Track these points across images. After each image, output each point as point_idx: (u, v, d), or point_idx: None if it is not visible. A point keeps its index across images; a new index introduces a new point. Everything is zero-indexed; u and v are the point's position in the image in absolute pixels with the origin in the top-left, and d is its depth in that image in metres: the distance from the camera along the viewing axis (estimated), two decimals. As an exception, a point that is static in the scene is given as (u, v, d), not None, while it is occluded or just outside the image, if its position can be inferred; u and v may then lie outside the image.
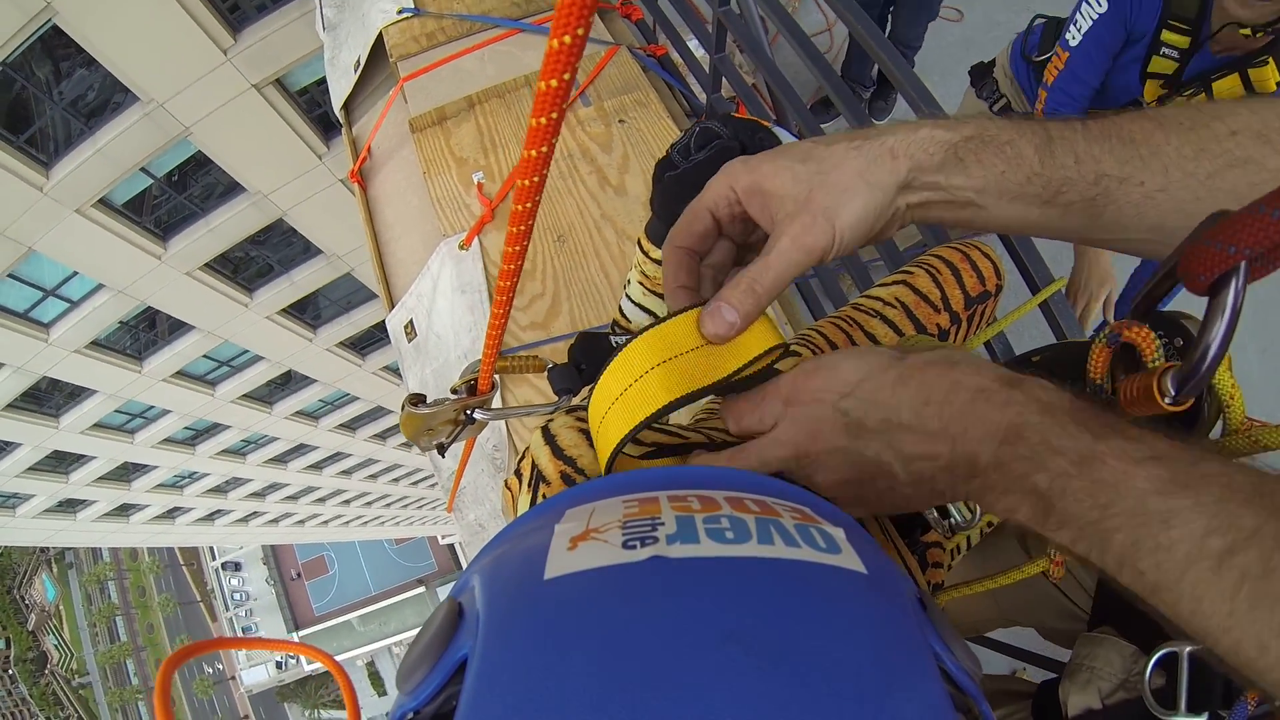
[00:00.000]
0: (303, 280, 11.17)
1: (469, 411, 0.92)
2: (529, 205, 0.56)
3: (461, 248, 2.25)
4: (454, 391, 0.91)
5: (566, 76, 0.42)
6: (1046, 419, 0.43)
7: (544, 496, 0.66)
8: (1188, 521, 0.35)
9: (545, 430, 0.73)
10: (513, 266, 0.65)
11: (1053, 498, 0.42)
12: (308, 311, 12.33)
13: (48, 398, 11.50)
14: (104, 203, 8.50)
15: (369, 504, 26.80)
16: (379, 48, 3.09)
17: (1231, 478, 0.36)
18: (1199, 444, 0.43)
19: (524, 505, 0.72)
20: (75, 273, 9.27)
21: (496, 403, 0.98)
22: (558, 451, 0.70)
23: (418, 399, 0.90)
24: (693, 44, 3.05)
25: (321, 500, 23.53)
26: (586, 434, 0.70)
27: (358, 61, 3.17)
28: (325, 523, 26.74)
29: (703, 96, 2.84)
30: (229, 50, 7.60)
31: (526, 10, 2.97)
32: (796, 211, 0.55)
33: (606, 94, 2.57)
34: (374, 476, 23.45)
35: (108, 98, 7.71)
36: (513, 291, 0.70)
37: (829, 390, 0.54)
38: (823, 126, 2.42)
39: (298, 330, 12.23)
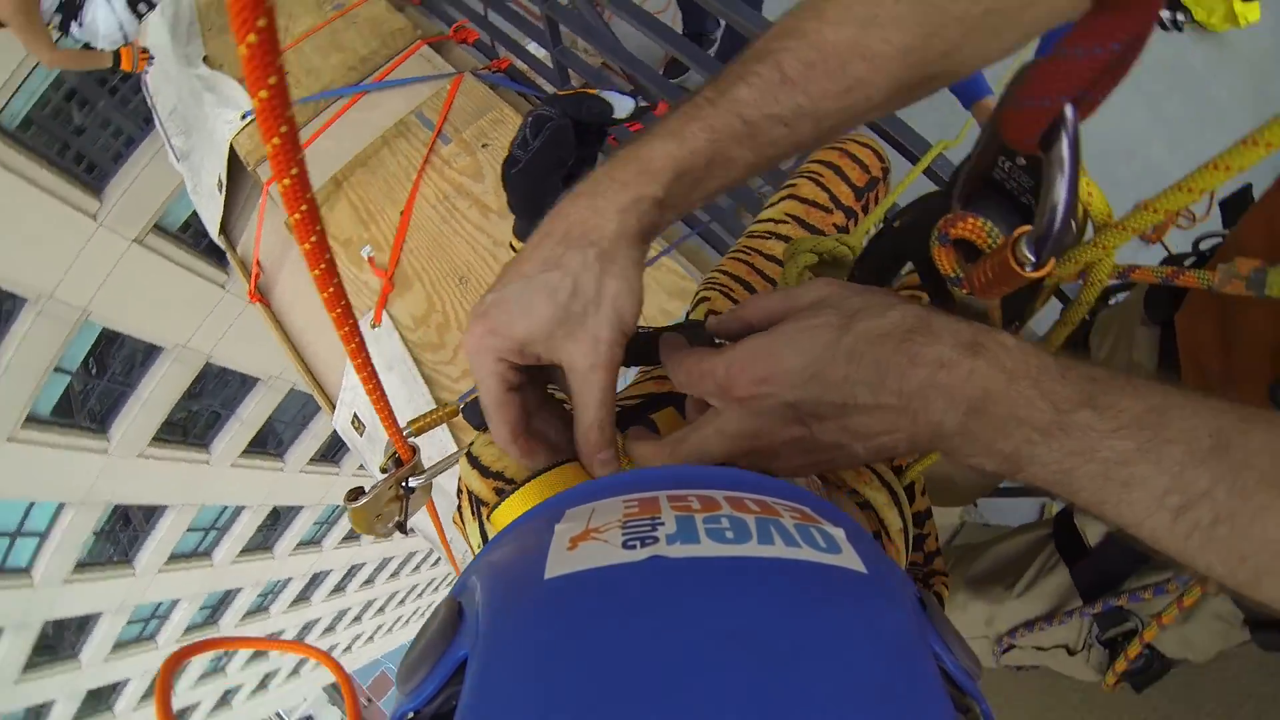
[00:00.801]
0: (251, 415, 10.96)
1: (404, 484, 0.89)
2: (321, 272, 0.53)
3: (373, 326, 2.17)
4: (383, 470, 0.88)
5: (284, 130, 0.40)
6: (1012, 388, 0.42)
7: (489, 520, 0.63)
8: (1148, 484, 0.39)
9: (468, 455, 0.72)
10: (346, 330, 0.62)
11: (1020, 460, 0.43)
12: (268, 443, 12.12)
13: (59, 640, 11.03)
14: (32, 419, 8.22)
15: (401, 602, 26.56)
16: (235, 161, 3.00)
17: (1193, 437, 0.39)
18: (1166, 392, 0.41)
19: (474, 535, 0.72)
20: (31, 503, 8.98)
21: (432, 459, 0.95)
22: (485, 471, 0.70)
23: (355, 493, 0.86)
24: (532, 47, 3.00)
25: (357, 619, 23.16)
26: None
27: (219, 181, 3.09)
28: (370, 638, 26.46)
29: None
30: (98, 214, 7.46)
31: (363, 71, 2.89)
32: (566, 338, 0.53)
33: (463, 124, 2.50)
34: (395, 574, 23.25)
35: (-4, 308, 7.50)
36: (363, 354, 0.66)
37: (773, 383, 0.48)
38: (680, 84, 2.37)
39: (266, 465, 11.99)
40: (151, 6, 3.33)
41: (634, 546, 0.33)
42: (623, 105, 0.80)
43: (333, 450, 13.64)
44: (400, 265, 2.28)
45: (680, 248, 2.10)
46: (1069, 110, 0.41)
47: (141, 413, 9.25)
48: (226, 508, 12.23)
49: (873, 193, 1.15)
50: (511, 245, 0.90)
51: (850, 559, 0.34)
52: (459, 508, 0.76)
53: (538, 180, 0.77)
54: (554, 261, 0.52)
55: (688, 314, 1.13)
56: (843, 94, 0.53)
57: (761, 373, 0.48)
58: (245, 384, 10.78)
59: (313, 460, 13.03)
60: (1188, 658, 0.99)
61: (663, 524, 0.35)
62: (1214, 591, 0.88)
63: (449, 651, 0.32)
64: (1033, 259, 0.46)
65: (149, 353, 9.12)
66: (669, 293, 1.99)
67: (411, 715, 0.32)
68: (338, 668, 0.70)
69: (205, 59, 3.27)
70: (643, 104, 0.82)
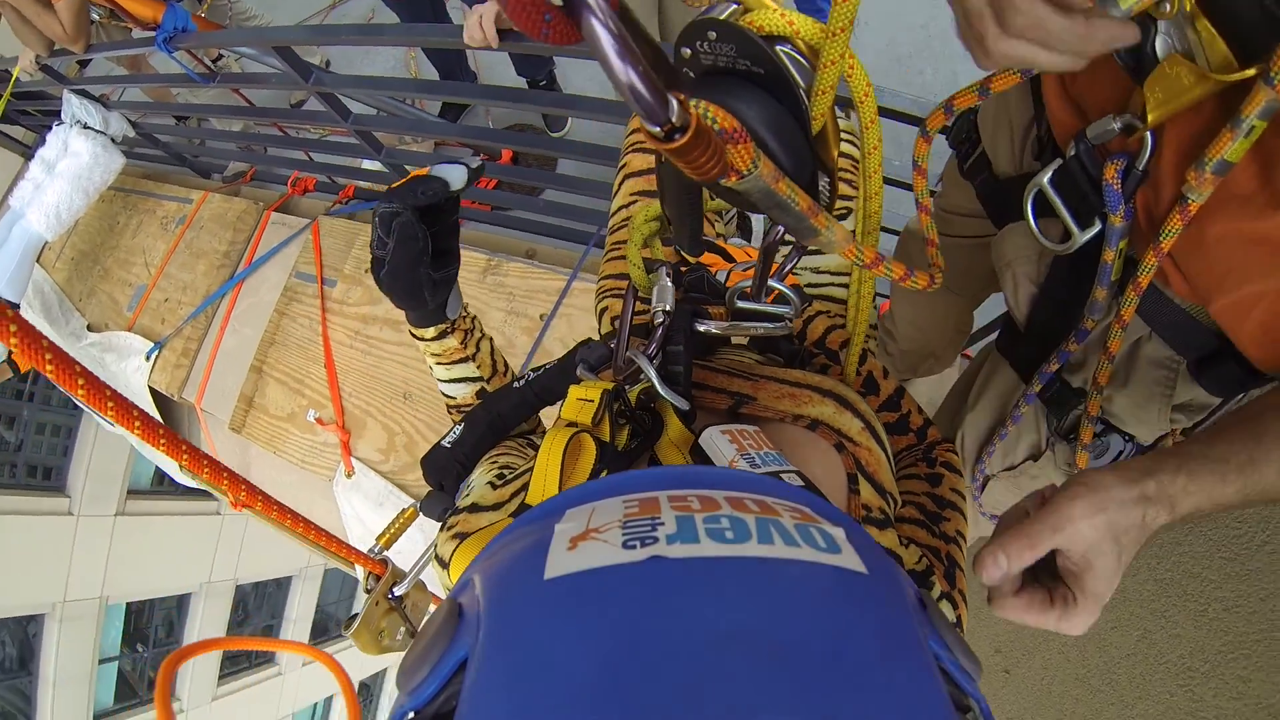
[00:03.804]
0: (300, 612, 10.88)
1: (391, 594, 0.93)
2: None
3: (348, 476, 2.24)
4: (367, 591, 0.93)
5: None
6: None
7: (449, 572, 0.67)
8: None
9: (438, 559, 0.74)
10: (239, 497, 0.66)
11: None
12: (329, 628, 11.97)
13: None
14: (99, 717, 8.17)
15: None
16: (160, 400, 3.07)
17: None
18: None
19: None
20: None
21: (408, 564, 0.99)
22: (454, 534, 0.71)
23: (349, 621, 0.90)
24: (365, 163, 3.08)
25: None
26: (461, 535, 0.70)
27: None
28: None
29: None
30: (71, 508, 7.47)
31: (230, 264, 2.98)
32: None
33: (339, 262, 2.59)
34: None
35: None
36: (278, 508, 0.74)
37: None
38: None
39: (335, 649, 11.80)
40: (16, 307, 3.39)
41: (634, 546, 0.33)
42: (455, 175, 0.80)
43: (389, 606, 13.42)
44: (346, 411, 2.36)
45: (586, 265, 2.19)
46: None
47: (197, 661, 9.14)
48: (316, 704, 12.06)
49: None
50: (414, 335, 0.93)
51: (850, 559, 0.34)
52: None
53: (406, 274, 0.79)
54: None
55: (599, 326, 1.14)
56: None
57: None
58: (281, 587, 10.68)
59: (371, 625, 12.83)
60: (1138, 435, 1.01)
61: (663, 524, 0.35)
62: (1140, 335, 0.91)
63: (449, 651, 0.32)
64: (657, 129, 0.43)
65: (180, 604, 9.07)
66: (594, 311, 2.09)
67: (412, 715, 0.32)
68: (339, 670, 0.69)
69: (89, 327, 3.35)
70: (475, 164, 0.83)
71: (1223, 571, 1.55)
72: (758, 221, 1.31)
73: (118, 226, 3.59)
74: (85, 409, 3.66)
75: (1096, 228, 0.79)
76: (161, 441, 0.60)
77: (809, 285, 1.09)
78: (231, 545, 9.28)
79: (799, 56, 0.56)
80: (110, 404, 0.55)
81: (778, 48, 0.55)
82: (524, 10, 0.41)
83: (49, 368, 0.50)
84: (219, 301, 2.95)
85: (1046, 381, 1.04)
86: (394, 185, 0.78)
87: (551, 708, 0.27)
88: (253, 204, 3.07)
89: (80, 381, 0.53)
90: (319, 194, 3.07)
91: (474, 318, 0.99)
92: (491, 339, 1.01)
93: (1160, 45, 0.65)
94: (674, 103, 0.43)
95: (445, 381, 0.99)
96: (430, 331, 0.91)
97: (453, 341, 0.93)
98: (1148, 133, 0.70)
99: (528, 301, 2.18)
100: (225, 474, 0.64)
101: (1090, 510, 0.59)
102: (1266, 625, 1.51)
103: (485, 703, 0.29)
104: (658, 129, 0.43)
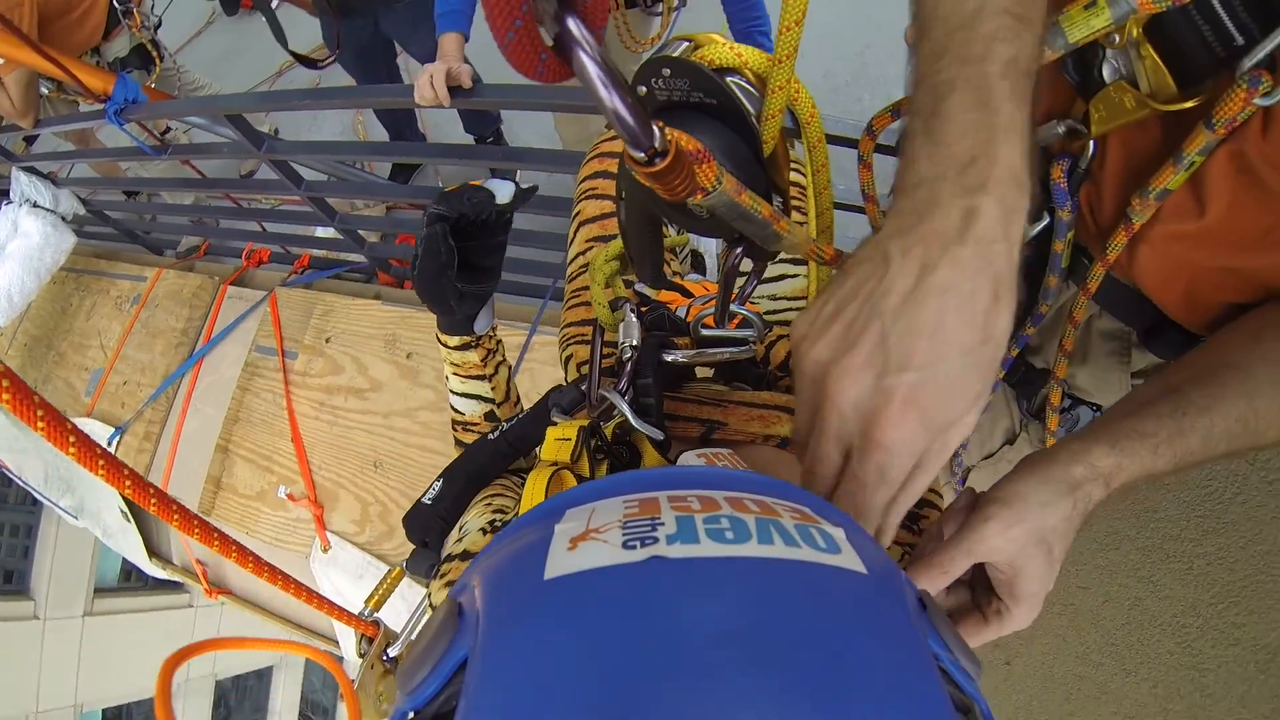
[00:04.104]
0: (284, 703, 10.63)
1: (385, 656, 0.91)
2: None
3: (324, 550, 2.18)
4: (361, 655, 0.90)
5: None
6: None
7: None
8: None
9: (431, 610, 0.75)
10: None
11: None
12: (315, 717, 11.75)
13: None
14: None
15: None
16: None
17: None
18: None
19: None
20: None
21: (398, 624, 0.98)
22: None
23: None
24: (319, 230, 3.06)
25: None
26: (451, 585, 0.70)
27: (122, 513, 3.04)
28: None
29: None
30: (37, 611, 7.24)
31: (189, 342, 2.92)
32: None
33: (299, 333, 2.55)
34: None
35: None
36: (266, 567, 0.71)
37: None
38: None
39: (327, 729, 11.54)
40: None
41: (634, 547, 0.33)
42: (504, 190, 0.84)
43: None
44: (317, 485, 2.30)
45: (545, 318, 2.17)
46: (571, 23, 0.41)
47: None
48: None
49: None
50: (438, 338, 0.95)
51: (850, 559, 0.34)
52: None
53: (431, 282, 0.82)
54: (990, 328, 0.47)
55: (565, 374, 1.17)
56: None
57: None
58: (262, 679, 10.40)
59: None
60: (1104, 404, 1.04)
61: (663, 524, 0.35)
62: (1092, 313, 0.96)
63: (449, 652, 0.33)
64: (640, 154, 0.47)
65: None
66: (557, 362, 2.05)
67: (412, 715, 0.32)
68: (339, 669, 0.68)
69: (47, 414, 3.25)
70: (527, 186, 0.88)
71: (1201, 528, 1.60)
72: (711, 259, 1.36)
73: (71, 308, 3.50)
74: (45, 500, 3.53)
75: (1044, 221, 0.84)
76: (152, 502, 0.60)
77: (768, 312, 1.12)
78: (205, 624, 9.01)
79: (748, 86, 0.61)
80: (101, 462, 0.56)
81: (728, 79, 0.59)
82: (522, 52, 0.47)
83: (40, 425, 0.51)
84: (179, 381, 2.88)
85: (1010, 366, 1.08)
86: (447, 190, 0.82)
87: (551, 708, 0.27)
88: (208, 279, 3.01)
89: (72, 440, 0.53)
90: (274, 265, 3.04)
91: (499, 341, 1.01)
92: (510, 367, 1.03)
93: (1107, 71, 0.70)
94: (656, 129, 0.46)
95: (457, 395, 1.01)
96: (454, 340, 0.94)
97: (474, 356, 0.96)
98: (1090, 141, 0.75)
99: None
100: (217, 536, 0.65)
101: (1005, 526, 0.58)
102: (1250, 570, 1.56)
103: (485, 703, 0.29)
104: (642, 154, 0.47)
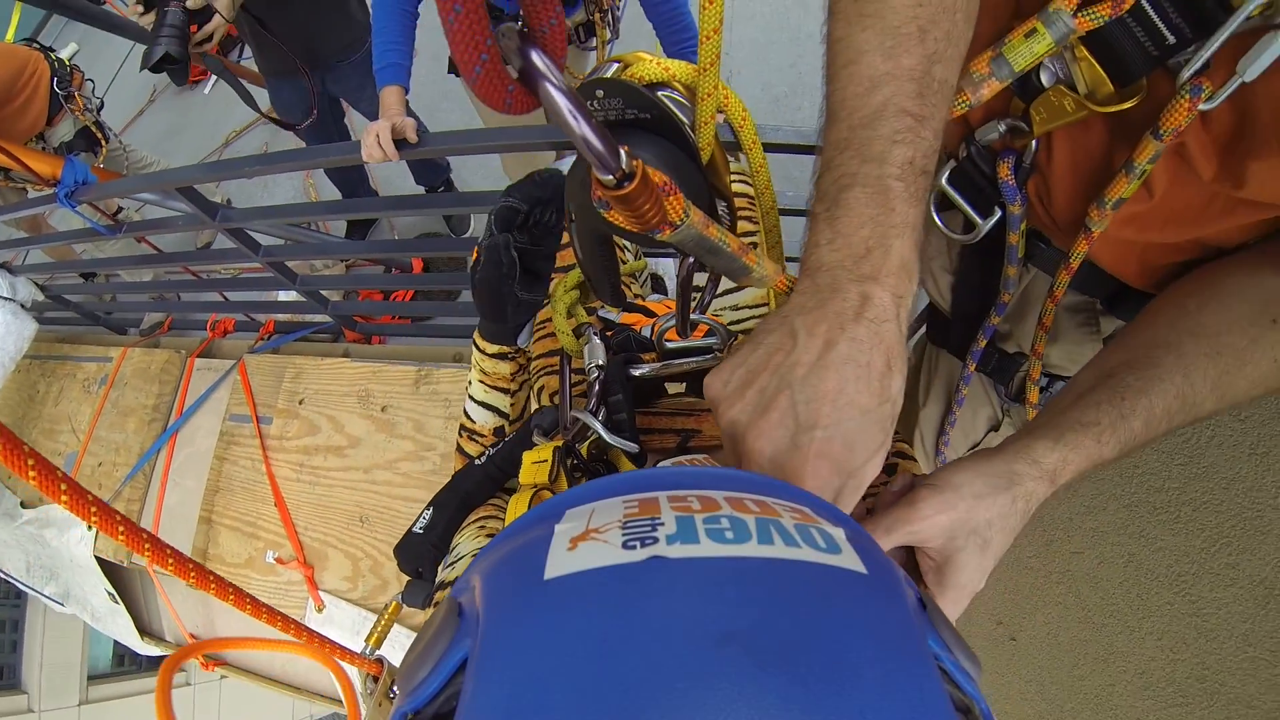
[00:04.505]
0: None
1: (391, 693, 0.92)
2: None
3: (319, 611, 2.18)
4: (368, 695, 0.90)
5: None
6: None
7: None
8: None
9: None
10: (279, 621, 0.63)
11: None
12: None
13: None
14: None
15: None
16: (109, 568, 2.95)
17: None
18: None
19: None
20: None
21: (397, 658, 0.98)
22: None
23: None
24: (282, 295, 3.07)
25: None
26: None
27: (109, 595, 3.01)
28: None
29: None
30: (31, 704, 7.15)
31: (161, 418, 2.91)
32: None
33: (271, 398, 2.56)
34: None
35: None
36: (264, 608, 0.71)
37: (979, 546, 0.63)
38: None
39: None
40: None
41: (634, 547, 0.33)
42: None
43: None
44: (305, 546, 2.30)
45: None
46: (535, 56, 0.44)
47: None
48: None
49: None
50: (475, 343, 0.95)
51: (850, 559, 0.34)
52: None
53: (492, 290, 0.84)
54: (885, 391, 0.53)
55: (538, 405, 1.17)
56: None
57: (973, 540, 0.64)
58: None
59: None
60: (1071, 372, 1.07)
61: (663, 524, 0.35)
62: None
63: (449, 652, 0.32)
64: (610, 178, 0.49)
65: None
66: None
67: (411, 715, 0.32)
68: (338, 668, 0.68)
69: (22, 504, 3.21)
70: None
71: (1183, 476, 1.61)
72: (671, 280, 1.36)
73: (38, 395, 3.47)
74: (28, 590, 3.48)
75: (996, 215, 0.87)
76: (146, 547, 0.60)
77: (732, 322, 1.13)
78: (208, 715, 8.81)
79: (679, 97, 0.62)
80: (93, 509, 0.55)
81: (659, 93, 0.61)
82: (489, 85, 0.46)
83: (31, 475, 0.50)
84: (155, 458, 2.86)
85: (982, 356, 1.11)
86: (514, 184, 0.84)
87: (551, 708, 0.26)
88: (175, 353, 3.01)
89: (63, 486, 0.53)
90: (240, 333, 3.04)
91: (529, 360, 1.02)
92: (531, 390, 1.04)
93: (1045, 76, 0.72)
94: (623, 153, 0.47)
95: (476, 402, 1.01)
96: (493, 348, 0.95)
97: (506, 369, 0.97)
98: (1033, 140, 0.78)
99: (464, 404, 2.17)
100: (213, 579, 0.65)
101: (932, 511, 0.61)
102: (1236, 509, 1.58)
103: (485, 703, 0.28)
104: (610, 177, 0.48)
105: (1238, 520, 1.60)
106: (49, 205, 2.45)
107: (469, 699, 0.29)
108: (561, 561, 0.33)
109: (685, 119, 0.62)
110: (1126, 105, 0.67)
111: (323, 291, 2.72)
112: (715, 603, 0.30)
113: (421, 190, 3.25)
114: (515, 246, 0.84)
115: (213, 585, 0.70)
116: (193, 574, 0.68)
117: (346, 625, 2.15)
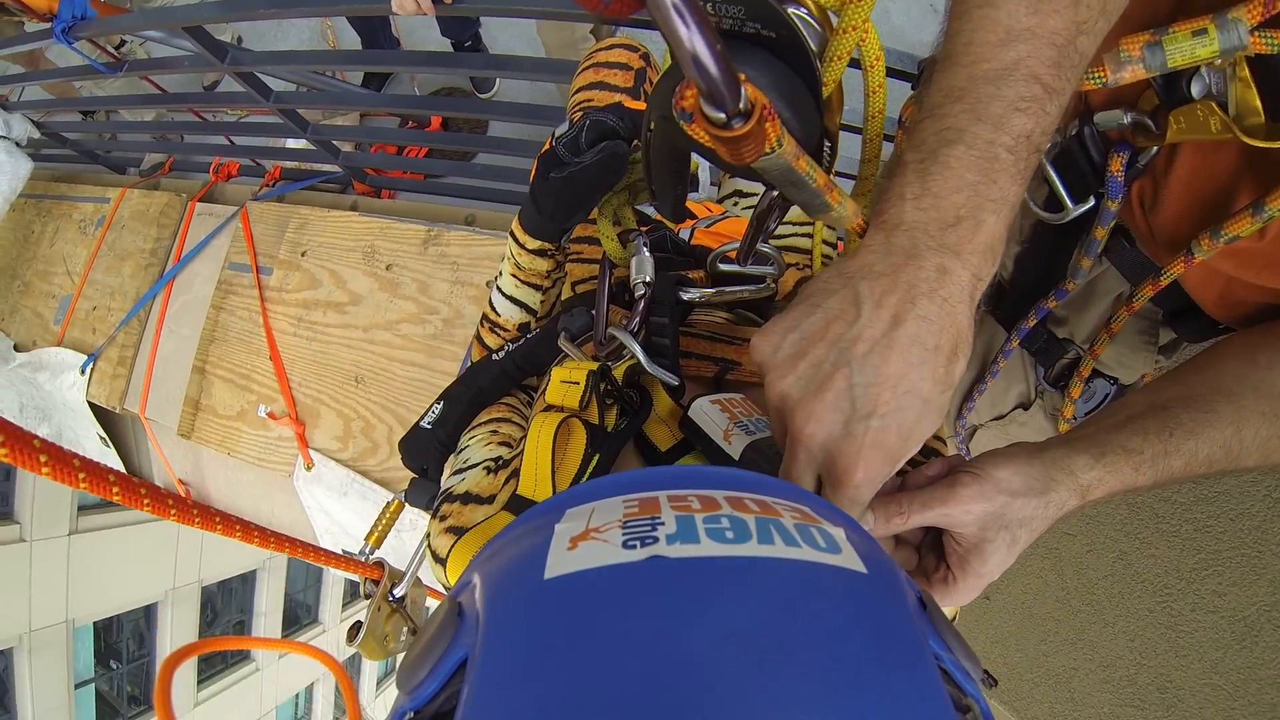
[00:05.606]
0: (269, 605, 10.91)
1: (391, 596, 0.91)
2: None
3: (308, 469, 2.17)
4: (367, 596, 0.91)
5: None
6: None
7: (446, 570, 0.67)
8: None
9: (431, 553, 0.71)
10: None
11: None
12: (300, 617, 12.02)
13: None
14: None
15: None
16: (101, 413, 2.94)
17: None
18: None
19: (441, 579, 0.73)
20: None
21: (402, 563, 0.96)
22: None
23: (353, 631, 0.89)
24: (289, 142, 2.95)
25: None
26: (456, 530, 0.69)
27: (100, 438, 3.02)
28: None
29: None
30: (23, 533, 7.29)
31: (158, 262, 2.84)
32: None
33: (273, 248, 2.48)
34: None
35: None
36: (257, 532, 0.67)
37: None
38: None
39: (309, 635, 11.88)
40: None
41: (634, 546, 0.33)
42: None
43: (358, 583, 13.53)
44: (298, 402, 2.27)
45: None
46: None
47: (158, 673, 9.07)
48: (298, 694, 12.09)
49: (644, 83, 1.14)
50: (513, 234, 0.88)
51: (850, 559, 0.34)
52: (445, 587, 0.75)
53: (579, 194, 0.77)
54: (949, 379, 0.51)
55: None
56: None
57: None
58: (247, 582, 10.66)
59: (346, 605, 12.90)
60: (1121, 378, 1.05)
61: (663, 524, 0.35)
62: (1121, 290, 0.96)
63: (449, 651, 0.33)
64: (720, 114, 0.42)
65: (147, 614, 8.96)
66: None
67: (411, 715, 0.32)
68: (338, 668, 0.69)
69: (15, 347, 3.18)
70: None
71: (1192, 494, 1.64)
72: (704, 173, 1.32)
73: (33, 236, 3.38)
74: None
75: (1089, 204, 0.81)
76: (145, 501, 0.59)
77: (775, 237, 1.07)
78: (192, 547, 9.17)
79: (810, 20, 0.55)
80: (82, 474, 0.54)
81: (789, 9, 0.52)
82: None
83: (45, 469, 0.50)
84: (150, 303, 2.81)
85: (1029, 335, 1.08)
86: (628, 105, 0.77)
87: (551, 708, 0.26)
88: (175, 196, 2.91)
89: (79, 466, 0.52)
90: (244, 178, 2.94)
91: (566, 257, 0.96)
92: (562, 287, 0.99)
93: (1197, 87, 0.67)
94: (744, 88, 0.39)
95: (504, 296, 0.95)
96: (534, 243, 0.87)
97: (544, 265, 0.90)
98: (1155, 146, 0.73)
99: (472, 270, 2.10)
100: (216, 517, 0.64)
101: (971, 500, 0.59)
102: (1237, 543, 1.60)
103: (485, 703, 0.29)
104: (722, 114, 0.40)
105: (1236, 553, 1.62)
106: (45, 41, 2.31)
107: (469, 699, 0.29)
108: (561, 561, 0.34)
109: (813, 45, 0.54)
110: (1277, 144, 0.61)
111: (334, 141, 2.61)
112: (715, 603, 0.30)
113: (447, 45, 3.08)
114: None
115: (196, 518, 0.68)
116: (196, 517, 0.67)
117: (334, 485, 2.14)
